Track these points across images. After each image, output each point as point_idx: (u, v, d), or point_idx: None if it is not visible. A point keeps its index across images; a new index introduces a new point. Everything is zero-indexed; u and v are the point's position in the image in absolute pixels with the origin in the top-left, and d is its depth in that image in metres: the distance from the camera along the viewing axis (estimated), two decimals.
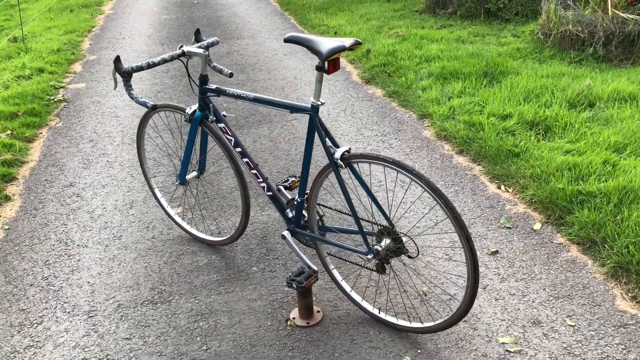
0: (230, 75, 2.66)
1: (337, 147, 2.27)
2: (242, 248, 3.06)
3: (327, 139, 2.27)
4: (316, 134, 2.30)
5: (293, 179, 2.76)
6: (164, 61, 2.46)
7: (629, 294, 2.54)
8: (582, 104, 4.34)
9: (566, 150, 3.66)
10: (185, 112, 2.70)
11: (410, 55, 5.93)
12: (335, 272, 2.58)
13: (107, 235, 3.22)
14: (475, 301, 2.57)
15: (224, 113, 2.66)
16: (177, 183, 2.91)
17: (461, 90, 4.84)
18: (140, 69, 2.42)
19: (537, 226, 3.09)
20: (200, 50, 2.49)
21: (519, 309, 2.51)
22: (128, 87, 2.46)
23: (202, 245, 3.09)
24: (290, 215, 2.59)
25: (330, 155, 2.27)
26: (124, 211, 3.45)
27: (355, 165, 2.28)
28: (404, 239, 2.27)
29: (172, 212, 3.25)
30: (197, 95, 2.65)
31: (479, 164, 3.81)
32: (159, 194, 3.27)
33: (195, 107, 2.68)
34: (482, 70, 5.15)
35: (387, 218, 2.29)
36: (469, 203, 3.35)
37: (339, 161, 2.24)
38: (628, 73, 4.98)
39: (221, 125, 2.62)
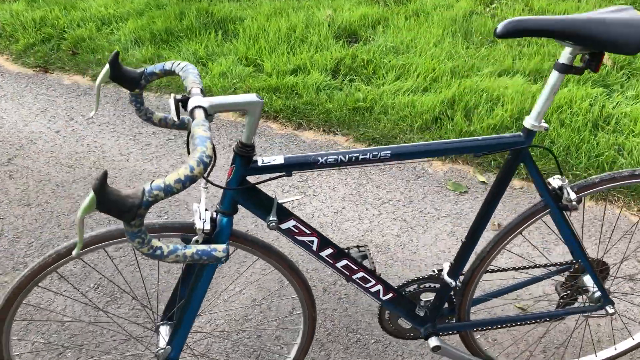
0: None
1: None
2: None
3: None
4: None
5: (362, 250, 1.61)
6: (211, 157, 0.92)
7: None
8: (349, 37, 4.00)
9: (412, 89, 3.32)
10: (198, 229, 1.19)
11: (72, 20, 4.27)
12: None
13: None
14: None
15: (281, 200, 1.28)
16: None
17: (206, 53, 3.80)
18: (181, 186, 0.86)
19: (481, 177, 2.77)
20: (253, 98, 1.06)
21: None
22: (142, 237, 0.88)
23: None
24: (423, 313, 1.54)
25: (551, 195, 1.38)
26: None
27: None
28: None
29: None
30: (220, 187, 1.18)
31: (337, 134, 3.12)
32: None
33: (209, 210, 1.21)
34: (205, 22, 4.14)
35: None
36: (382, 179, 2.71)
37: (573, 203, 1.37)
38: None
39: (290, 224, 1.27)
